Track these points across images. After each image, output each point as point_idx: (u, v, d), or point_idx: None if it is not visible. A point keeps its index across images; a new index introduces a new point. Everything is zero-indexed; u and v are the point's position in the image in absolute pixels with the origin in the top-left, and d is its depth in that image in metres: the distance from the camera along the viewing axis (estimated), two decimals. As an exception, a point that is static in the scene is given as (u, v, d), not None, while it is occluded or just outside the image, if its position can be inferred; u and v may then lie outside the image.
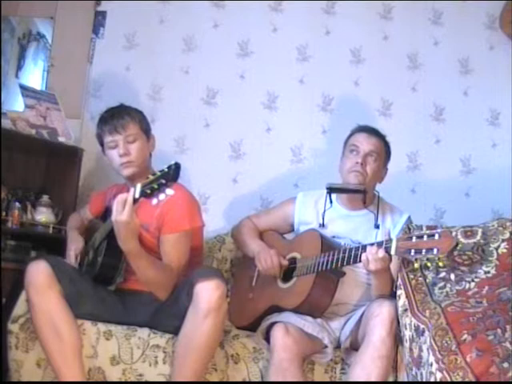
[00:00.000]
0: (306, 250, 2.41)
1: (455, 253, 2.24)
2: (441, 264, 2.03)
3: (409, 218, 2.49)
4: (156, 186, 1.98)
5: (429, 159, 3.20)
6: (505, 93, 3.14)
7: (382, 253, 2.15)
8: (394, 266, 2.29)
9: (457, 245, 2.04)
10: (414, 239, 2.07)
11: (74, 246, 2.46)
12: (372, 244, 2.20)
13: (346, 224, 2.49)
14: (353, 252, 2.22)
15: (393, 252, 2.12)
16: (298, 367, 2.19)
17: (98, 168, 3.12)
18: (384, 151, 2.53)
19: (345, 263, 2.24)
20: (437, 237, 2.01)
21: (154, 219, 2.32)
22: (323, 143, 3.22)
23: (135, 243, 2.17)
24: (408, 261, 2.20)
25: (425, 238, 2.04)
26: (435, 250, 2.00)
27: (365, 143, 2.48)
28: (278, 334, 2.21)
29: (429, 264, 2.04)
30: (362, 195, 2.44)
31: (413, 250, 2.05)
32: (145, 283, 2.29)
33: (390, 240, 2.15)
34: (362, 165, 2.44)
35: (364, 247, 2.20)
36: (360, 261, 2.20)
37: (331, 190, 2.48)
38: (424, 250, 2.02)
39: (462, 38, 3.24)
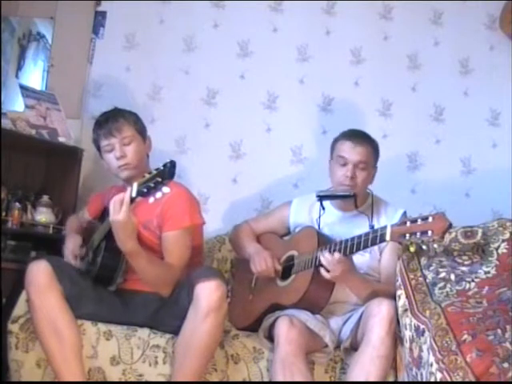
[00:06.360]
0: (303, 246, 2.41)
1: (455, 253, 2.25)
2: (436, 246, 2.03)
3: (404, 213, 2.47)
4: (152, 185, 1.98)
5: (429, 159, 3.20)
6: (505, 93, 3.13)
7: (337, 255, 2.19)
8: (388, 254, 2.36)
9: (450, 226, 2.03)
10: (408, 224, 2.08)
11: (71, 243, 2.47)
12: (360, 236, 2.21)
13: (342, 227, 2.48)
14: (349, 242, 2.23)
15: (388, 238, 2.12)
16: (303, 362, 2.18)
17: (98, 168, 3.11)
18: (372, 156, 2.49)
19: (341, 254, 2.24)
20: (430, 219, 2.02)
21: (155, 217, 2.32)
22: (323, 143, 3.21)
23: (134, 243, 2.16)
24: (406, 252, 2.22)
25: (419, 221, 2.05)
26: (429, 232, 2.00)
27: (352, 154, 2.43)
28: (282, 326, 2.21)
29: (424, 247, 2.05)
30: (353, 200, 2.44)
31: (407, 235, 2.06)
32: (146, 282, 2.29)
33: (384, 227, 2.15)
34: (351, 178, 2.42)
35: (359, 236, 2.20)
36: (358, 250, 2.21)
37: (321, 197, 2.48)
38: (418, 233, 2.02)
39: (462, 38, 3.24)
